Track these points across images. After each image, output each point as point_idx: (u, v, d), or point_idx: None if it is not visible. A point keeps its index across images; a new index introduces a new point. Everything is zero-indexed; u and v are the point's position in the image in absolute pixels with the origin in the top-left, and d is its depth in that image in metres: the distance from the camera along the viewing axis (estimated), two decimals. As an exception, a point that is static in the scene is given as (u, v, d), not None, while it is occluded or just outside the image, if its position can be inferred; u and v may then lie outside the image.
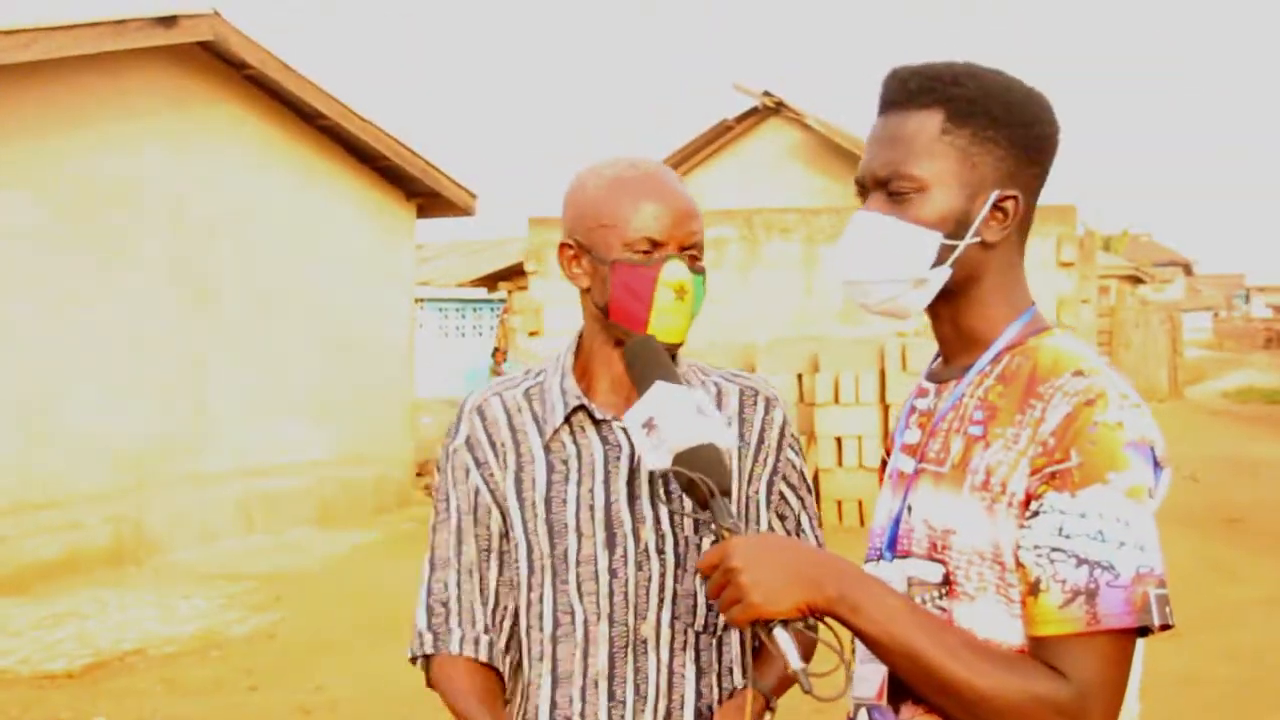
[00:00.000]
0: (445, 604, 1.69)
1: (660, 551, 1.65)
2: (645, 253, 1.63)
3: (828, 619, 1.31)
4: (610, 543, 1.64)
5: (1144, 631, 1.26)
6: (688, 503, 1.67)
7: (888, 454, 1.54)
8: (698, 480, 1.38)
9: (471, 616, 1.68)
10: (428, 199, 12.32)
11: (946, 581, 1.35)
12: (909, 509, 1.41)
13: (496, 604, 1.70)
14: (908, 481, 1.42)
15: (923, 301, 1.40)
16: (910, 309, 1.41)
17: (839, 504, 10.18)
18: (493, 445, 1.70)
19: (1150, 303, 31.60)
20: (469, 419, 1.73)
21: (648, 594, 1.64)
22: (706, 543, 1.68)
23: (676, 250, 1.64)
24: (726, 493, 1.41)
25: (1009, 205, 1.37)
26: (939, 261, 1.37)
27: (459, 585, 1.69)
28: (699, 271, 1.67)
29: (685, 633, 1.66)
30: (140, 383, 9.25)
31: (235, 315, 10.17)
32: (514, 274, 17.54)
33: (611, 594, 1.64)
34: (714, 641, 1.68)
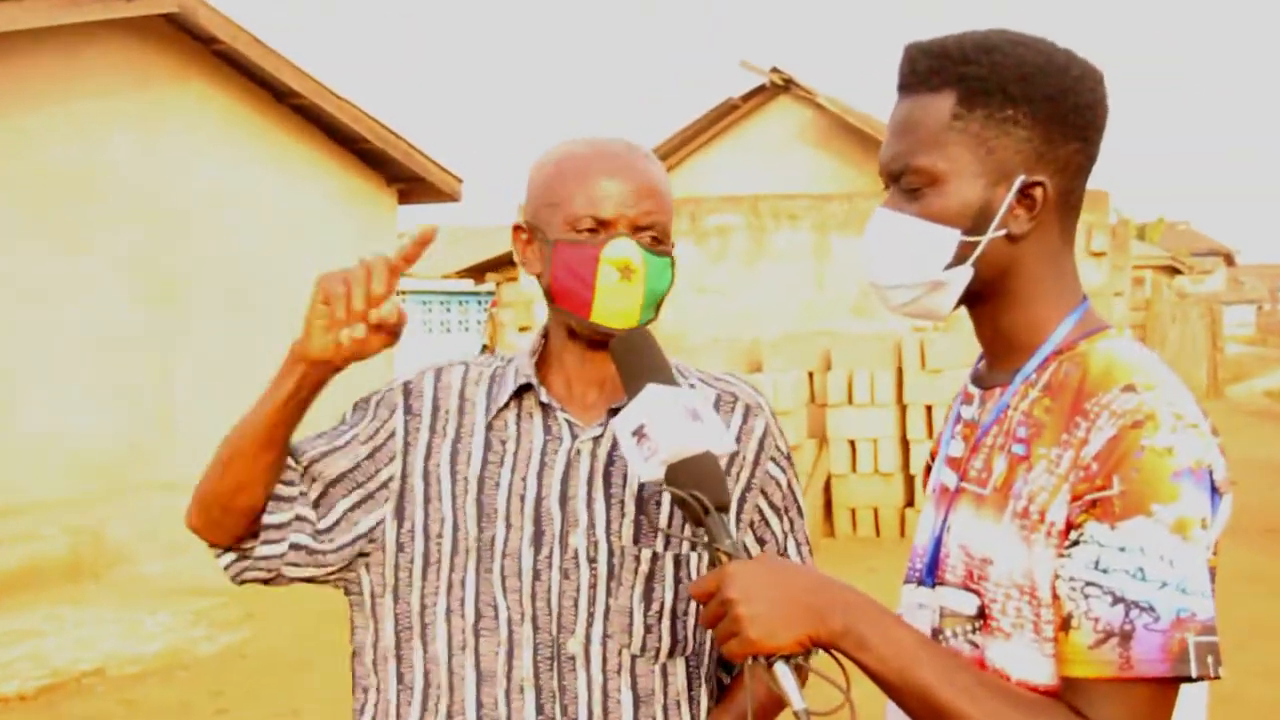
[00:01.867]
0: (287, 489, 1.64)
1: (591, 560, 1.61)
2: (590, 231, 1.61)
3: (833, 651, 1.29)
4: (537, 540, 1.62)
5: (1189, 680, 1.22)
6: (683, 520, 1.66)
7: (933, 459, 1.51)
8: (689, 497, 1.36)
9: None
10: (410, 184, 12.32)
11: (981, 615, 1.33)
12: (948, 530, 1.39)
13: (337, 521, 1.65)
14: (949, 499, 1.40)
15: (946, 304, 1.37)
16: (936, 312, 1.39)
17: (853, 512, 10.18)
18: (435, 407, 1.69)
19: (1188, 295, 31.62)
20: (422, 373, 1.73)
21: (575, 606, 1.61)
22: (668, 560, 1.65)
23: (629, 230, 1.61)
24: (724, 508, 1.38)
25: (1036, 192, 1.33)
26: (959, 260, 1.34)
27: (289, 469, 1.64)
28: (662, 254, 1.63)
29: (620, 654, 1.62)
30: (103, 383, 9.26)
31: (204, 310, 10.17)
32: (503, 264, 17.55)
33: (534, 597, 1.61)
34: (656, 668, 1.64)
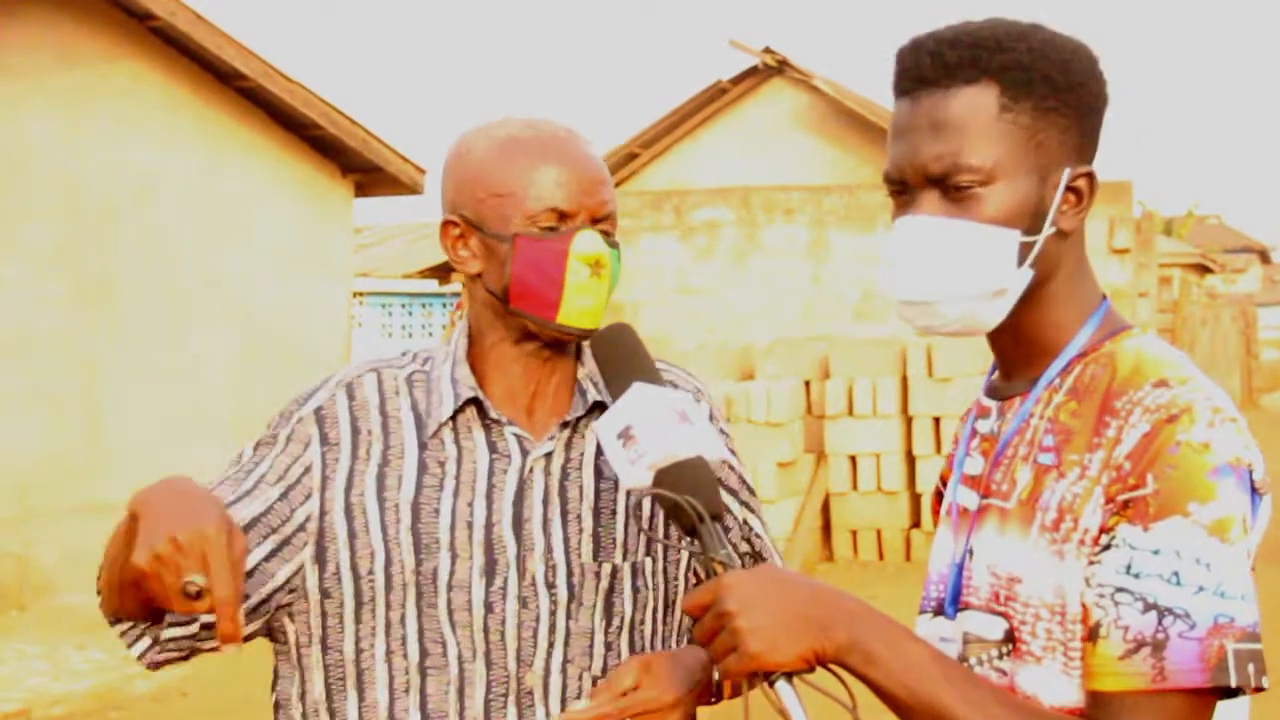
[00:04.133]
0: None
1: (550, 585, 1.64)
2: (550, 226, 1.62)
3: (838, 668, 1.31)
4: (489, 570, 1.62)
5: (1230, 693, 1.25)
6: (671, 529, 1.68)
7: (943, 483, 1.54)
8: (684, 504, 1.38)
9: None
10: (367, 175, 12.31)
11: (1010, 639, 1.35)
12: (970, 553, 1.41)
13: (249, 573, 1.59)
14: (971, 520, 1.42)
15: (1002, 312, 1.39)
16: (988, 323, 1.40)
17: (853, 534, 10.21)
18: (354, 430, 1.66)
19: (1220, 296, 31.81)
20: (331, 390, 1.69)
21: (535, 636, 1.63)
22: (628, 574, 1.69)
23: (588, 221, 1.63)
24: (718, 517, 1.40)
25: (1082, 184, 1.38)
26: (1019, 263, 1.37)
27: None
28: (615, 246, 1.66)
29: (580, 679, 1.64)
30: (24, 395, 9.21)
31: (137, 314, 10.14)
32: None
33: (487, 631, 1.62)
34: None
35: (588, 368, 1.74)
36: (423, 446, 1.66)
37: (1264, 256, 55.95)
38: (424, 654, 1.63)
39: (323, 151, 11.87)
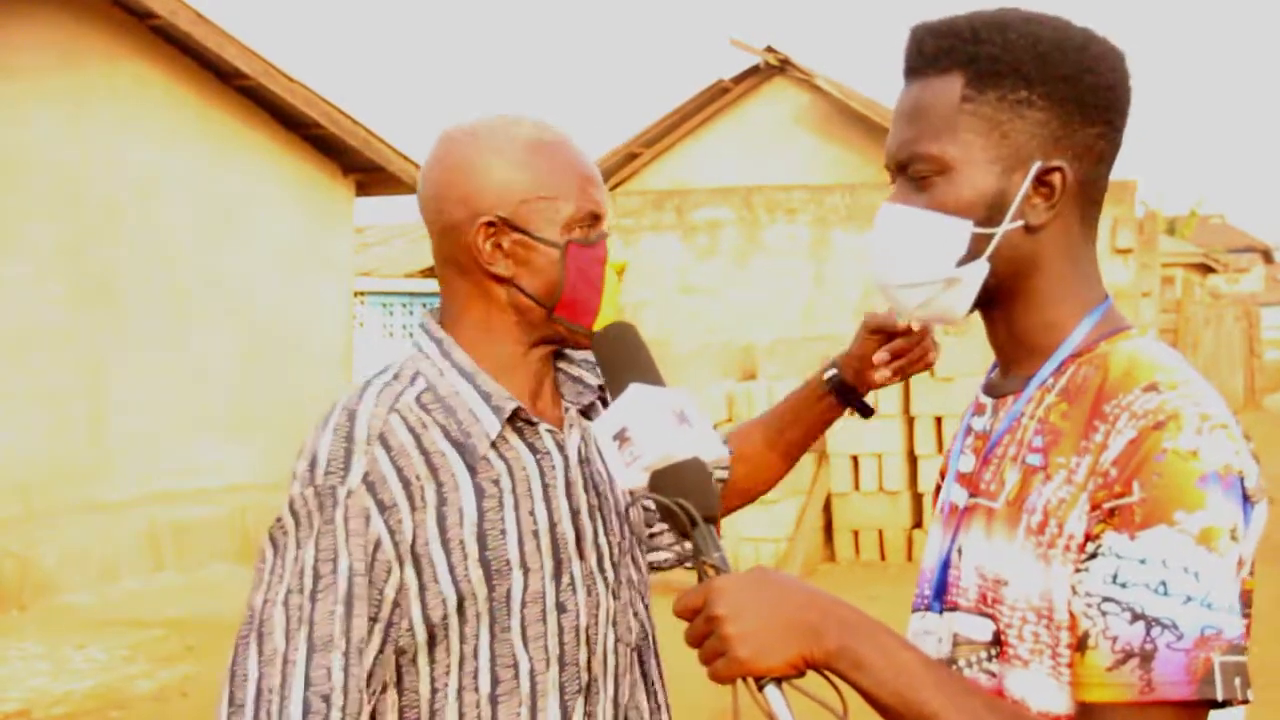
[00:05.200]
0: (327, 698, 1.51)
1: (602, 569, 1.68)
2: (589, 228, 1.65)
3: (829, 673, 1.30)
4: (557, 571, 1.63)
5: (1221, 704, 1.24)
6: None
7: (942, 478, 1.54)
8: (675, 507, 1.38)
9: (357, 711, 1.53)
10: (368, 174, 12.33)
11: (997, 641, 1.35)
12: (959, 551, 1.41)
13: (367, 685, 1.56)
14: (959, 518, 1.42)
15: (963, 304, 1.39)
16: (951, 314, 1.40)
17: (855, 534, 10.22)
18: (405, 483, 1.57)
19: (1223, 296, 31.79)
20: (368, 452, 1.57)
21: (598, 622, 1.66)
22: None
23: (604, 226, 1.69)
24: (713, 519, 1.40)
25: (1054, 178, 1.36)
26: (974, 254, 1.36)
27: (345, 671, 1.52)
28: None
29: (628, 656, 1.71)
30: (26, 393, 9.22)
31: (139, 313, 10.15)
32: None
33: (561, 632, 1.62)
34: (636, 657, 1.75)
35: (566, 355, 1.78)
36: (473, 471, 1.61)
37: (1267, 256, 55.89)
38: (495, 682, 1.60)
39: (324, 151, 11.88)
